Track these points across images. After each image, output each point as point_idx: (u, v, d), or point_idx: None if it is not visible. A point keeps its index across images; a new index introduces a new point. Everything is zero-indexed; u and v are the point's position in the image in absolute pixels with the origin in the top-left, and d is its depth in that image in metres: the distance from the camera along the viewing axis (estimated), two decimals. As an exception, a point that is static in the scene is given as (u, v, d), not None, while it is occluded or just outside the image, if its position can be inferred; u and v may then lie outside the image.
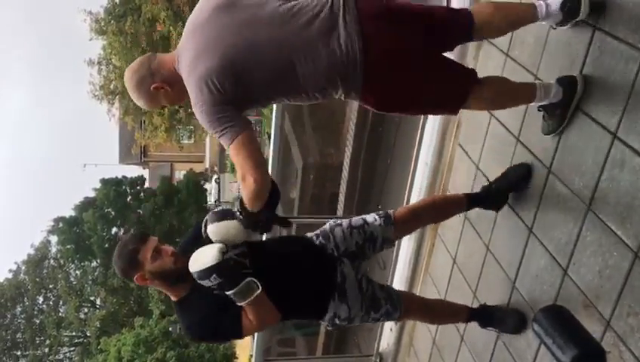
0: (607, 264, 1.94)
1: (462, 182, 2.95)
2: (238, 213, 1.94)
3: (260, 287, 1.90)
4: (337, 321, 2.25)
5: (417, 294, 3.34)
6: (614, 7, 1.90)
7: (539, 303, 2.26)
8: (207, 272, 1.86)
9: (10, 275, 23.95)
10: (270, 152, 3.49)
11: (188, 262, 1.90)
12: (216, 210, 2.04)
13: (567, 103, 2.07)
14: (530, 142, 2.39)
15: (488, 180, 2.60)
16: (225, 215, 1.98)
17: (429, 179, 3.24)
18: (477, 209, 2.57)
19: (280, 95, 1.96)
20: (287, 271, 2.16)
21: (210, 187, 25.43)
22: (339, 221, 2.38)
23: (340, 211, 7.02)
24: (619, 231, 1.89)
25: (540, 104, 2.15)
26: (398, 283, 3.58)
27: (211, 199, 24.34)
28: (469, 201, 2.51)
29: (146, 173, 26.51)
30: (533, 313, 2.24)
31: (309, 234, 2.39)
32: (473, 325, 2.64)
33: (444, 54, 2.01)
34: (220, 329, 2.05)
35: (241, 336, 2.06)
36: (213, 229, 1.95)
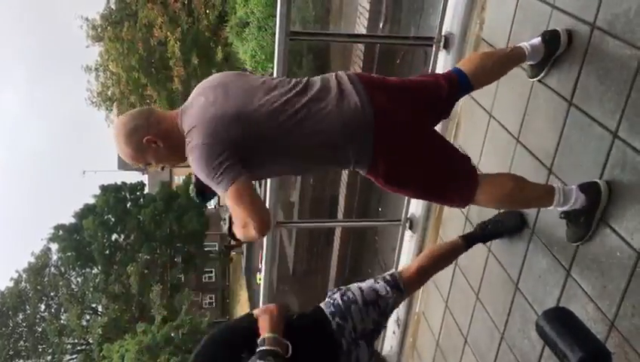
0: (610, 264, 1.94)
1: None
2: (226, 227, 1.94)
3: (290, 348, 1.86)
4: None
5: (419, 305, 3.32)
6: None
7: (542, 305, 2.25)
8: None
9: (11, 284, 23.93)
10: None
11: None
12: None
13: (592, 211, 1.97)
14: (530, 143, 2.38)
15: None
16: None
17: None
18: (479, 209, 2.57)
19: (287, 159, 1.90)
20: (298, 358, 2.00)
21: (210, 191, 25.37)
22: (350, 295, 2.24)
23: (340, 214, 7.03)
24: (621, 231, 1.88)
25: (559, 209, 2.07)
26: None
27: (211, 203, 24.33)
28: (467, 243, 2.59)
29: (145, 178, 26.48)
30: (536, 315, 2.23)
31: (323, 307, 2.23)
32: (476, 329, 2.63)
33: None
34: None
35: None
36: None
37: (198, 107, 1.81)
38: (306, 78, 1.92)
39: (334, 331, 2.14)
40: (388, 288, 2.29)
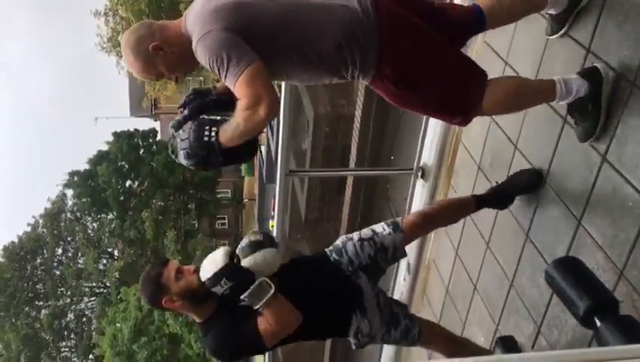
0: (621, 213, 1.94)
1: (476, 134, 2.92)
2: (210, 140, 1.77)
3: (274, 287, 1.88)
4: (360, 337, 2.24)
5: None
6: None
7: (552, 254, 2.27)
8: (216, 277, 1.86)
9: (28, 229, 24.44)
10: (281, 102, 3.45)
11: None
12: (243, 243, 1.97)
13: (597, 95, 1.93)
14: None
15: (502, 129, 2.58)
16: (256, 247, 1.94)
17: (442, 129, 3.21)
18: (491, 157, 2.56)
19: (291, 52, 1.84)
20: (302, 294, 2.07)
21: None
22: (350, 235, 2.38)
23: (352, 163, 7.03)
24: (633, 181, 1.88)
25: (563, 102, 2.04)
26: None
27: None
28: (477, 203, 2.52)
29: (157, 125, 26.52)
30: (546, 264, 2.26)
31: (326, 250, 2.38)
32: (486, 277, 2.66)
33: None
34: (243, 342, 2.00)
35: (264, 346, 2.00)
36: (250, 263, 1.92)
37: (198, 4, 1.79)
38: None
39: (333, 263, 2.30)
40: (385, 226, 2.37)
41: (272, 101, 1.66)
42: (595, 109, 1.96)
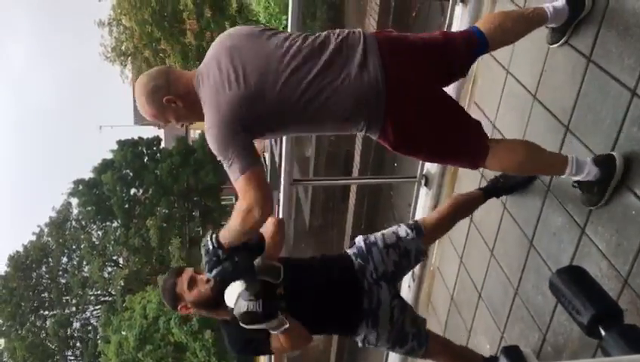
0: (625, 222, 1.94)
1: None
2: (214, 251, 1.85)
3: (288, 324, 1.99)
4: (366, 344, 2.35)
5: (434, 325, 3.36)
6: None
7: (557, 262, 2.28)
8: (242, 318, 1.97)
9: (34, 238, 24.47)
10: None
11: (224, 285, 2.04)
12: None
13: (606, 183, 1.96)
14: (547, 100, 2.36)
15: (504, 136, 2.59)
16: (226, 282, 2.01)
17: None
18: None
19: (300, 124, 1.92)
20: (322, 296, 2.23)
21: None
22: (372, 238, 2.42)
23: (355, 170, 7.04)
24: (638, 190, 1.88)
25: (574, 179, 2.05)
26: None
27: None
28: (485, 194, 2.63)
29: (161, 133, 26.56)
30: (550, 272, 2.26)
31: (348, 251, 2.42)
32: (490, 284, 2.66)
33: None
34: (255, 351, 2.24)
35: (270, 355, 2.27)
36: (228, 299, 2.02)
37: (210, 86, 1.83)
38: (318, 39, 1.88)
39: (357, 270, 2.32)
40: (408, 230, 2.42)
41: (266, 206, 1.74)
42: (600, 192, 1.99)
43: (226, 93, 1.79)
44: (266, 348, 2.12)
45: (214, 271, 1.84)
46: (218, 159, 1.81)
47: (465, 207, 2.64)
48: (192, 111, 1.89)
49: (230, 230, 1.81)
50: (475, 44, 1.96)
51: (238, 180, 1.76)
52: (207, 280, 2.10)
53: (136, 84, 1.91)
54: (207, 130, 1.81)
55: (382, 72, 1.80)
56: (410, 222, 2.51)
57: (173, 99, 1.85)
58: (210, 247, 1.83)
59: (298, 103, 1.80)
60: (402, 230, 2.43)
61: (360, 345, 2.37)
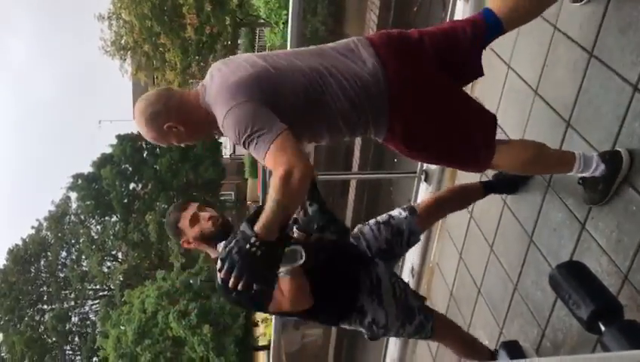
0: (625, 217, 1.94)
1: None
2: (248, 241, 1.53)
3: (304, 258, 1.83)
4: (375, 328, 2.24)
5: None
6: None
7: (557, 257, 2.27)
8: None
9: (32, 232, 24.48)
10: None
11: (227, 221, 2.05)
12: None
13: (611, 180, 1.96)
14: (548, 95, 2.35)
15: (506, 134, 2.58)
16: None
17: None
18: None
19: (306, 122, 1.84)
20: (323, 273, 2.13)
21: (225, 141, 25.47)
22: (367, 221, 2.45)
23: (355, 165, 7.04)
24: (637, 185, 1.88)
25: (579, 176, 2.05)
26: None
27: (226, 153, 24.43)
28: (485, 189, 2.63)
29: (161, 128, 26.51)
30: (550, 267, 2.26)
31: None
32: (490, 280, 2.66)
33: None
34: (250, 301, 2.06)
35: (265, 310, 2.09)
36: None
37: (219, 77, 1.79)
38: (320, 49, 1.88)
39: (353, 246, 2.35)
40: (401, 210, 2.45)
41: (305, 166, 1.56)
42: (605, 189, 1.98)
43: (237, 74, 1.75)
44: (265, 296, 1.89)
45: (243, 264, 1.51)
46: (242, 145, 1.66)
47: (462, 194, 2.64)
48: (195, 132, 1.86)
49: (269, 208, 1.54)
50: (483, 25, 1.86)
51: (269, 150, 1.59)
52: (210, 218, 2.08)
53: (135, 109, 1.85)
54: (224, 119, 1.69)
55: (382, 72, 1.79)
56: (404, 205, 2.51)
57: (173, 125, 1.81)
58: (249, 232, 1.53)
59: (310, 92, 1.78)
60: (395, 210, 2.47)
61: (367, 335, 2.29)
